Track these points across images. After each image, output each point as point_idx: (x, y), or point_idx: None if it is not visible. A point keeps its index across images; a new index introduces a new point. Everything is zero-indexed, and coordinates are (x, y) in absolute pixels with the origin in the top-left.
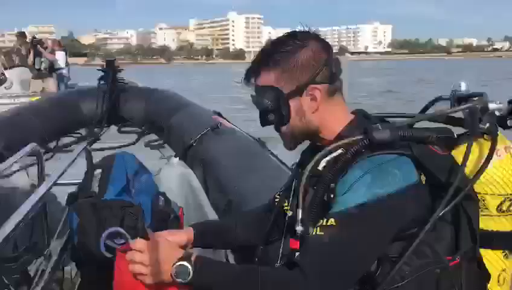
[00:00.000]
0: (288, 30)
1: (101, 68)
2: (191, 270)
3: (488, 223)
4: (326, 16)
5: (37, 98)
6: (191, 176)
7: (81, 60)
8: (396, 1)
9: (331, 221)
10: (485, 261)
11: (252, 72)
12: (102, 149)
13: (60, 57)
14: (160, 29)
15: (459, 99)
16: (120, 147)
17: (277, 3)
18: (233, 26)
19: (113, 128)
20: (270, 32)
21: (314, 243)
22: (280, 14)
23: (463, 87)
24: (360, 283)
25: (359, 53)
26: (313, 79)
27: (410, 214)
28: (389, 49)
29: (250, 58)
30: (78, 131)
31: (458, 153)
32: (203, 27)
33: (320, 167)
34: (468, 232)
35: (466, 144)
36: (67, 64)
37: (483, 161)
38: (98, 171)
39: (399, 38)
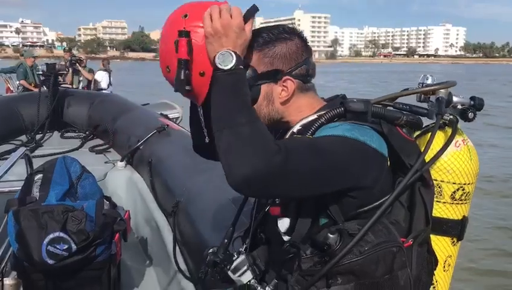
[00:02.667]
0: (356, 30)
1: (41, 72)
2: (234, 56)
3: (441, 210)
4: (395, 17)
5: None
6: (137, 179)
7: (149, 55)
8: (473, 4)
9: (308, 136)
10: (434, 246)
11: None
12: (44, 155)
13: (101, 77)
14: None
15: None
16: (63, 152)
17: (345, 3)
18: (299, 25)
19: (56, 133)
20: (336, 32)
21: (292, 138)
22: (347, 13)
23: (429, 80)
24: (319, 255)
25: (428, 56)
26: (290, 72)
27: (373, 176)
28: (461, 53)
29: (315, 57)
30: (18, 138)
31: (422, 142)
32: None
33: (295, 129)
34: (422, 216)
35: (429, 134)
36: (109, 85)
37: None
38: (39, 176)
39: (472, 41)
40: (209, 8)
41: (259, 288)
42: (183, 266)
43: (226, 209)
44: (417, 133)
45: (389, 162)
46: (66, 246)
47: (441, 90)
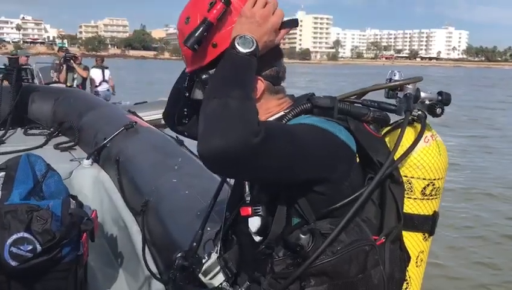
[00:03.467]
0: (358, 32)
1: (4, 66)
2: (254, 45)
3: (412, 206)
4: (398, 19)
5: None
6: (104, 178)
7: (150, 54)
8: (476, 6)
9: None
10: (406, 242)
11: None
12: (6, 153)
13: (96, 74)
14: None
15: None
16: (27, 150)
17: (348, 4)
18: (301, 26)
19: (19, 130)
20: (338, 34)
21: (271, 122)
22: (350, 15)
23: (397, 76)
24: (292, 257)
25: (430, 58)
26: (260, 71)
27: (342, 169)
28: (464, 56)
29: (316, 58)
30: None
31: (389, 138)
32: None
33: None
34: (393, 213)
35: (398, 130)
36: (104, 80)
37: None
38: (1, 174)
39: (475, 45)
40: None
41: None
42: (152, 267)
43: (197, 209)
44: (386, 129)
45: (357, 159)
46: (30, 247)
47: (409, 86)
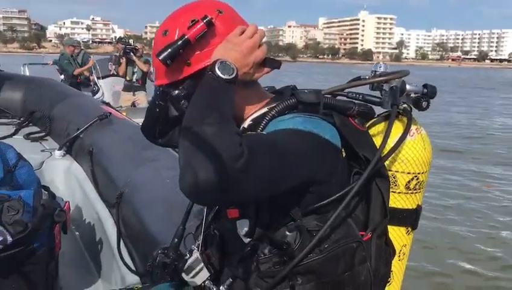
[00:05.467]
0: (423, 32)
1: None
2: (234, 73)
3: (396, 200)
4: (466, 19)
5: (124, 113)
6: (76, 169)
7: None
8: None
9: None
10: (390, 236)
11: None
12: None
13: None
14: (289, 27)
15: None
16: None
17: (413, 4)
18: (363, 26)
19: None
20: (402, 34)
21: (251, 136)
22: (415, 15)
23: (382, 68)
24: (278, 255)
25: (501, 60)
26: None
27: (328, 169)
28: None
29: (378, 59)
30: None
31: (374, 131)
32: (332, 26)
33: (246, 125)
34: (379, 208)
35: (384, 123)
36: None
37: (396, 139)
38: None
39: None
40: (250, 25)
41: (214, 288)
42: (128, 260)
43: (174, 201)
44: (371, 122)
45: (344, 153)
46: (0, 238)
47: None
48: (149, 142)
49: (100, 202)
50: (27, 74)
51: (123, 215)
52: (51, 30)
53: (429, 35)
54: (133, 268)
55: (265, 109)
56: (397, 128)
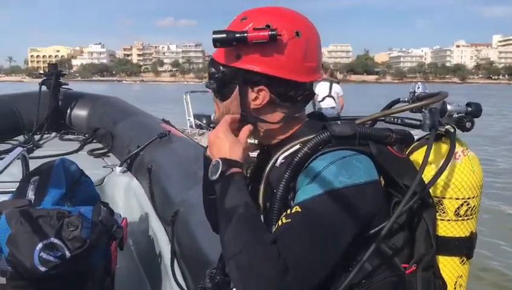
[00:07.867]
0: None
1: (43, 72)
2: (218, 174)
3: (446, 229)
4: None
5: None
6: (136, 186)
7: (372, 78)
8: None
9: (296, 208)
10: (441, 268)
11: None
12: (41, 157)
13: (322, 88)
14: (458, 46)
15: (418, 101)
16: (61, 155)
17: None
18: None
19: (55, 135)
20: None
21: (280, 230)
22: None
23: (420, 89)
24: None
25: None
26: (269, 85)
27: (370, 211)
28: None
29: None
30: (15, 138)
31: (416, 157)
32: (509, 44)
33: (278, 164)
34: (424, 238)
35: (424, 148)
36: (329, 96)
37: (441, 164)
38: (35, 178)
39: None
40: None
41: None
42: (180, 280)
43: None
44: (412, 147)
45: (382, 182)
46: (59, 253)
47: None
48: None
49: (156, 219)
50: (188, 101)
51: (177, 234)
52: None
53: None
54: (185, 288)
55: (297, 146)
56: (442, 152)
